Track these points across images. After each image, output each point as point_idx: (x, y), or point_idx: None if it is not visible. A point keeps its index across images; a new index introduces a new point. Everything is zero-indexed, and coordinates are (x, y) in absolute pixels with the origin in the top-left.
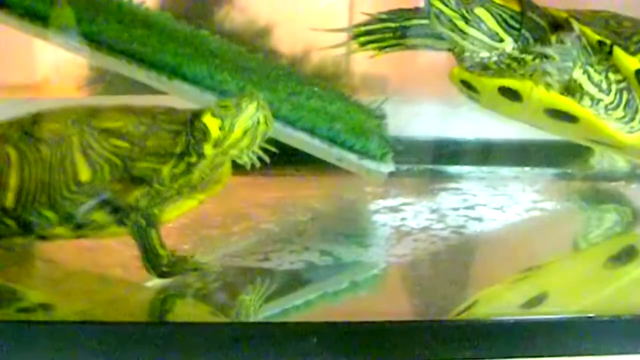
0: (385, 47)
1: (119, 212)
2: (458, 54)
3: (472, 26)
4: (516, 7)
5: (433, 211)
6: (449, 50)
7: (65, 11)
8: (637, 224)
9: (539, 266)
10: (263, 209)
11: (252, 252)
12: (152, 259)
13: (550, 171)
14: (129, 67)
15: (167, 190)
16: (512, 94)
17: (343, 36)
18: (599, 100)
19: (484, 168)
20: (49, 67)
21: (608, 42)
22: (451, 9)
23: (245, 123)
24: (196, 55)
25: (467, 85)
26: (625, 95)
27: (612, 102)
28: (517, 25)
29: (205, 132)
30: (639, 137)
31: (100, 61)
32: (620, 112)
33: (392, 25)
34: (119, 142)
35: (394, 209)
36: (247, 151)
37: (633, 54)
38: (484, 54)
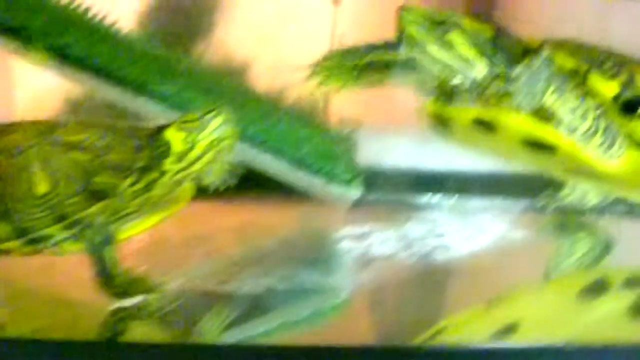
0: (344, 84)
1: (75, 227)
2: (427, 86)
3: (444, 51)
4: (489, 33)
5: (400, 239)
6: (414, 84)
7: (33, 23)
8: (606, 256)
9: (509, 296)
10: (226, 233)
11: (213, 276)
12: (106, 278)
13: (521, 203)
14: (94, 82)
15: (126, 207)
16: (488, 126)
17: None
18: (576, 128)
19: (454, 199)
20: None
21: (583, 67)
22: (423, 33)
23: (209, 137)
24: (164, 73)
25: (439, 119)
26: (602, 122)
27: (589, 129)
28: (490, 52)
29: (167, 146)
30: (619, 166)
31: (65, 75)
32: (599, 139)
33: (351, 61)
34: (79, 156)
35: (360, 236)
36: (210, 168)
37: (609, 79)
38: (456, 80)
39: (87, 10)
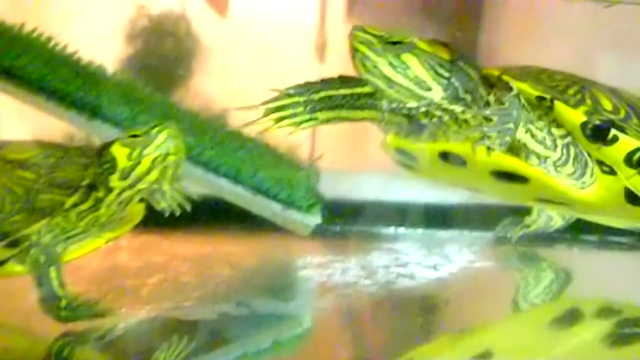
0: (300, 122)
1: (19, 245)
2: (386, 120)
3: (399, 72)
4: (445, 56)
5: (362, 268)
6: (368, 120)
7: None
8: (573, 285)
9: (480, 325)
10: (182, 262)
11: (166, 303)
12: (50, 300)
13: (488, 234)
14: (48, 104)
15: (73, 227)
16: (454, 159)
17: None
18: (546, 158)
19: (420, 230)
20: None
21: (548, 96)
22: (377, 54)
23: (155, 152)
24: (120, 98)
25: (402, 153)
26: (572, 150)
27: (560, 158)
28: (446, 74)
29: (112, 162)
30: (591, 193)
31: (19, 97)
32: (570, 168)
33: (300, 99)
34: (24, 173)
35: (321, 265)
36: (158, 187)
37: (574, 107)
38: (412, 104)
39: (48, 38)
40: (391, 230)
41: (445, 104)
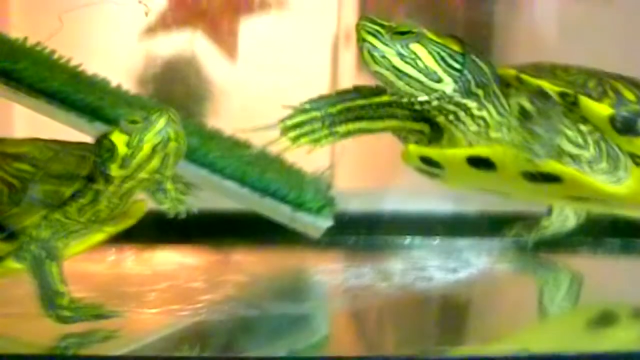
0: (320, 139)
1: (16, 240)
2: (405, 130)
3: (408, 63)
4: (456, 47)
5: (379, 272)
6: (388, 130)
7: None
8: (596, 290)
9: (515, 329)
10: (191, 270)
11: (174, 307)
12: (50, 297)
13: (505, 240)
14: (48, 107)
15: (73, 223)
16: (483, 163)
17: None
18: (580, 156)
19: (437, 240)
20: None
21: (571, 92)
22: (385, 44)
23: (155, 138)
24: (121, 101)
25: (427, 162)
26: (603, 145)
27: (593, 156)
28: (457, 66)
29: (111, 150)
30: (627, 187)
31: (19, 100)
32: (603, 164)
33: (318, 114)
34: (22, 166)
35: (336, 271)
36: (158, 176)
37: (599, 100)
38: (422, 97)
39: (52, 51)
40: (407, 240)
41: (458, 97)
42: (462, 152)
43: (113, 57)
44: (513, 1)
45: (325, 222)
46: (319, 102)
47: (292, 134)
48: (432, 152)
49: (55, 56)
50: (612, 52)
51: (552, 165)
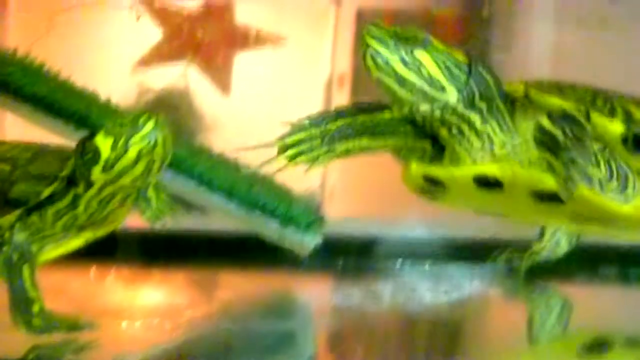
0: (317, 157)
1: None
2: (407, 148)
3: (411, 70)
4: (461, 58)
5: (368, 293)
6: (388, 148)
7: None
8: (586, 317)
9: (507, 355)
10: (175, 287)
11: (156, 320)
12: (21, 303)
13: (497, 266)
14: (35, 114)
15: (50, 227)
16: (490, 183)
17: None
18: (591, 176)
19: (427, 265)
20: None
21: (582, 108)
22: (389, 50)
23: (141, 142)
24: (109, 111)
25: (430, 181)
26: (613, 164)
27: (604, 175)
28: (462, 76)
29: (95, 153)
30: (635, 206)
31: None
32: (614, 183)
33: (317, 131)
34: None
35: (323, 292)
36: (140, 181)
37: (610, 117)
38: (425, 106)
39: (42, 62)
40: (397, 264)
41: (461, 109)
42: (470, 170)
43: (106, 88)
44: (509, 27)
45: (313, 240)
46: (318, 118)
47: (290, 152)
48: (437, 170)
49: (45, 67)
50: (610, 78)
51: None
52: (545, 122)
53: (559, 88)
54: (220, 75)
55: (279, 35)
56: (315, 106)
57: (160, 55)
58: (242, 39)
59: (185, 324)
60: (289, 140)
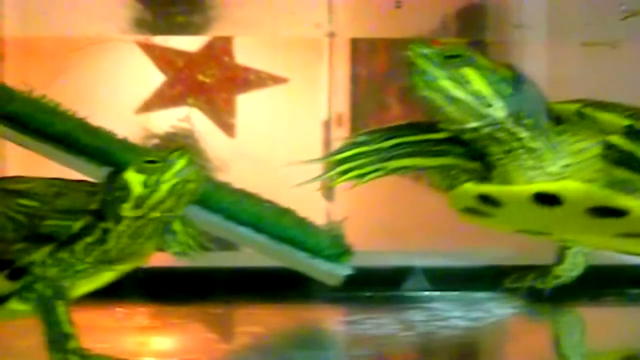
0: (366, 173)
1: (20, 279)
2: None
3: (459, 87)
4: (507, 73)
5: (400, 322)
6: (439, 168)
7: None
8: (611, 338)
9: None
10: (203, 322)
11: (190, 355)
12: (58, 340)
13: (521, 291)
14: (55, 151)
15: (80, 262)
16: (550, 200)
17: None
18: None
19: (456, 292)
20: None
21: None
22: (435, 67)
23: (173, 179)
24: (129, 148)
25: (485, 201)
26: None
27: None
28: (508, 91)
29: (126, 190)
30: None
31: (14, 139)
32: None
33: (370, 148)
34: (27, 202)
35: (355, 322)
36: (169, 214)
37: None
38: (472, 123)
39: (58, 103)
40: (426, 293)
41: (509, 124)
42: (530, 188)
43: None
44: (512, 50)
45: (344, 270)
46: (372, 135)
47: (341, 167)
48: (494, 189)
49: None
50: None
51: (624, 200)
52: (615, 139)
53: (604, 104)
54: (224, 117)
55: (279, 75)
56: (315, 145)
57: (162, 99)
58: (243, 80)
59: (221, 358)
60: (341, 156)
